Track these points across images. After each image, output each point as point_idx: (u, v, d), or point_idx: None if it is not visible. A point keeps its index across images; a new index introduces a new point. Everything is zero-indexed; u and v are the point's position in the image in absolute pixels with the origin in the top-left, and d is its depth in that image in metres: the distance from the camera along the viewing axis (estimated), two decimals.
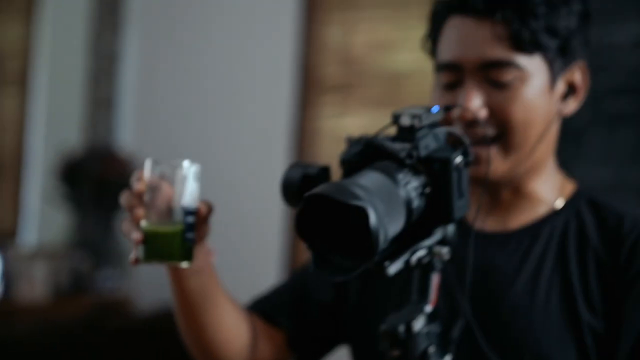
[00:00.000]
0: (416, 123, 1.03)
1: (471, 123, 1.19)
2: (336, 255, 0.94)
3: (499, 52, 1.17)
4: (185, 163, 1.10)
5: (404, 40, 3.89)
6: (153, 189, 1.08)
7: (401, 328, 1.05)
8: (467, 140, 1.06)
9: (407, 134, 1.03)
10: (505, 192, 1.26)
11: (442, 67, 1.22)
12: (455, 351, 1.13)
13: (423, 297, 1.09)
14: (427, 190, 1.03)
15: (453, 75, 1.21)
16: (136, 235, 1.07)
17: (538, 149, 1.21)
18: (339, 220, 0.92)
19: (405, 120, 1.04)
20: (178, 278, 1.19)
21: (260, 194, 4.18)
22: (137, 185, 1.09)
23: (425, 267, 1.09)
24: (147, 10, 4.46)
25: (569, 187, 1.28)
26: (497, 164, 1.20)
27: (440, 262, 1.09)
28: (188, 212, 1.10)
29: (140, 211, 1.08)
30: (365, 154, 1.05)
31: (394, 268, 1.00)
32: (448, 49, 1.22)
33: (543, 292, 1.19)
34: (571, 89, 1.25)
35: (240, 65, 4.25)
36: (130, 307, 3.96)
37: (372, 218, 0.88)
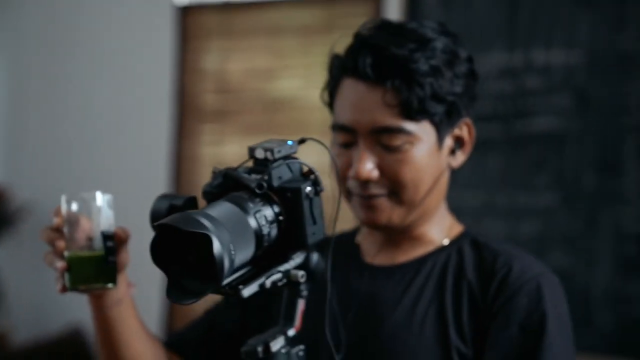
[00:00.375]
0: (269, 155, 1.08)
1: (365, 182, 1.27)
2: (189, 280, 0.98)
3: (389, 119, 1.25)
4: (98, 193, 1.19)
5: (281, 69, 3.96)
6: (71, 223, 1.15)
7: (259, 348, 1.11)
8: (316, 171, 1.12)
9: (261, 166, 1.09)
10: (397, 234, 1.35)
11: (337, 128, 1.30)
12: None
13: (288, 321, 1.15)
14: (281, 218, 1.08)
15: (348, 136, 1.29)
16: (60, 264, 1.15)
17: (429, 199, 1.31)
18: (189, 247, 0.97)
19: (260, 153, 1.09)
20: (99, 307, 1.25)
21: (141, 220, 4.14)
22: (56, 220, 1.17)
23: (292, 294, 1.15)
24: (16, 40, 4.37)
25: (457, 229, 1.38)
26: (391, 213, 1.29)
27: (306, 289, 1.15)
28: (107, 236, 1.18)
29: (61, 243, 1.16)
30: (224, 185, 1.11)
31: (247, 291, 1.04)
32: (343, 112, 1.29)
33: (419, 319, 1.27)
34: (459, 143, 1.34)
35: (117, 93, 4.22)
36: (7, 340, 3.86)
37: (216, 245, 0.93)
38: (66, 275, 1.16)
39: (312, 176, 1.11)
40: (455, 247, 1.34)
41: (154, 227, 0.99)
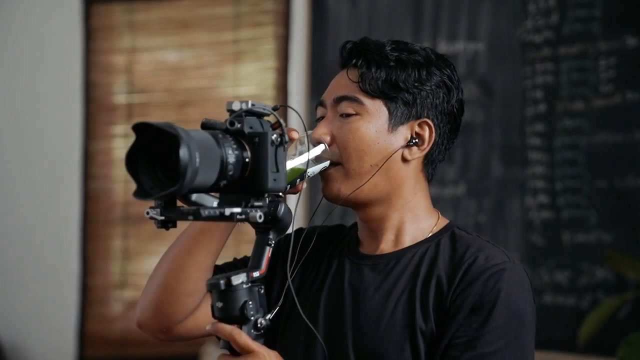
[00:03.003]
0: (244, 106, 1.23)
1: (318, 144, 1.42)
2: (155, 186, 1.14)
3: (348, 89, 1.43)
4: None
5: (191, 65, 3.92)
6: None
7: (222, 281, 1.21)
8: (284, 123, 1.26)
9: (236, 116, 1.23)
10: (385, 232, 1.47)
11: (317, 105, 1.48)
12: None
13: (255, 264, 1.27)
14: (247, 160, 1.21)
15: (321, 111, 1.47)
16: None
17: (390, 184, 1.44)
18: (161, 154, 1.14)
19: (236, 105, 1.23)
20: None
21: (55, 218, 4.08)
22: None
23: (261, 240, 1.28)
24: None
25: (442, 223, 1.48)
26: (340, 185, 1.43)
27: (275, 237, 1.28)
28: None
29: None
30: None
31: (205, 212, 1.17)
32: (326, 92, 1.48)
33: (392, 305, 1.39)
34: (417, 139, 1.44)
35: (25, 90, 4.13)
36: None
37: (183, 147, 1.09)
38: None
39: (279, 128, 1.24)
40: (435, 239, 1.44)
41: (133, 128, 1.13)
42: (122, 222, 4.00)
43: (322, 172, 1.43)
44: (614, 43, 3.06)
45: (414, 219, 1.46)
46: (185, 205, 1.21)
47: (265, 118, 1.27)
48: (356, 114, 1.41)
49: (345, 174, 1.42)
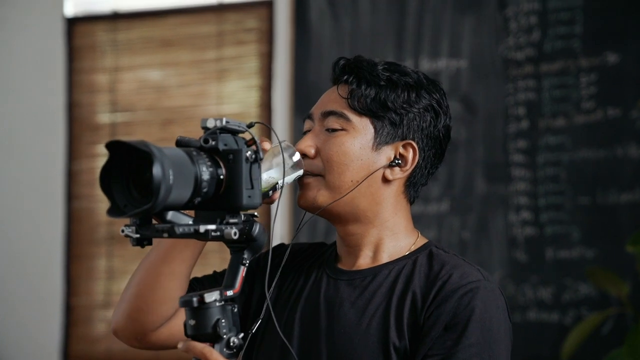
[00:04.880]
0: (218, 124, 1.24)
1: (304, 157, 1.44)
2: (129, 204, 1.14)
3: (336, 105, 1.44)
4: None
5: (175, 84, 3.92)
6: None
7: (195, 298, 1.22)
8: (258, 139, 1.27)
9: (210, 133, 1.23)
10: (362, 248, 1.48)
11: (304, 117, 1.50)
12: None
13: (229, 283, 1.27)
14: (222, 177, 1.22)
15: (308, 124, 1.48)
16: None
17: (368, 202, 1.45)
18: (134, 173, 1.15)
19: (211, 123, 1.24)
20: None
21: (37, 239, 4.06)
22: None
23: (235, 259, 1.29)
24: None
25: (420, 242, 1.48)
26: (317, 194, 1.44)
27: (249, 257, 1.29)
28: None
29: None
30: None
31: (180, 229, 1.18)
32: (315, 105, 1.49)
33: (367, 320, 1.40)
34: (400, 161, 1.45)
35: (11, 112, 4.12)
36: None
37: (156, 165, 1.09)
38: None
39: (253, 145, 1.25)
40: (412, 257, 1.44)
41: (106, 146, 1.14)
42: (106, 241, 3.98)
43: (300, 180, 1.44)
44: (594, 60, 3.09)
45: (392, 237, 1.46)
46: (160, 223, 1.20)
47: (240, 135, 1.28)
48: (342, 129, 1.43)
49: (325, 185, 1.43)
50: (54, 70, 4.01)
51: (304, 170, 1.43)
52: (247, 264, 1.29)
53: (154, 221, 1.21)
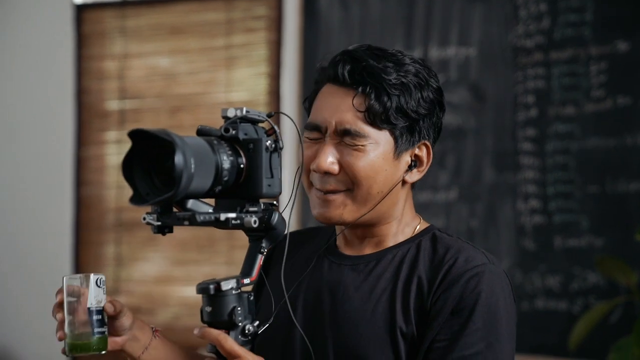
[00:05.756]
0: (239, 113, 1.25)
1: (325, 174, 1.40)
2: (151, 193, 1.16)
3: (354, 122, 1.39)
4: (92, 275, 1.39)
5: (184, 71, 3.92)
6: (76, 296, 1.37)
7: (212, 286, 1.24)
8: (277, 129, 1.28)
9: (231, 123, 1.25)
10: (371, 237, 1.49)
11: (310, 127, 1.43)
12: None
13: (247, 270, 1.29)
14: (242, 166, 1.24)
15: (317, 134, 1.42)
16: (60, 334, 1.39)
17: (388, 206, 1.44)
18: (157, 162, 1.16)
19: (231, 112, 1.26)
20: (132, 358, 1.47)
21: (45, 225, 4.07)
22: (57, 298, 1.39)
23: (254, 248, 1.31)
24: None
25: (423, 226, 1.50)
26: (343, 210, 1.42)
27: (267, 245, 1.31)
28: (92, 312, 1.37)
29: (59, 315, 1.38)
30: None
31: (201, 217, 1.19)
32: (317, 112, 1.43)
33: (372, 306, 1.40)
34: (416, 161, 1.45)
35: (17, 96, 4.13)
36: None
37: (178, 154, 1.11)
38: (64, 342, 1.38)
39: (273, 135, 1.27)
40: (416, 241, 1.45)
41: (129, 135, 1.14)
42: (115, 228, 4.00)
43: (316, 195, 1.41)
44: (605, 48, 3.07)
45: (399, 224, 1.48)
46: (181, 211, 1.23)
47: (260, 124, 1.30)
48: (363, 145, 1.39)
49: (351, 199, 1.41)
50: (63, 57, 4.02)
51: (325, 189, 1.40)
52: (264, 253, 1.31)
53: (174, 209, 1.22)
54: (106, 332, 1.39)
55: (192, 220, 1.19)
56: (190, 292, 3.84)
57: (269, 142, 1.26)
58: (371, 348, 1.38)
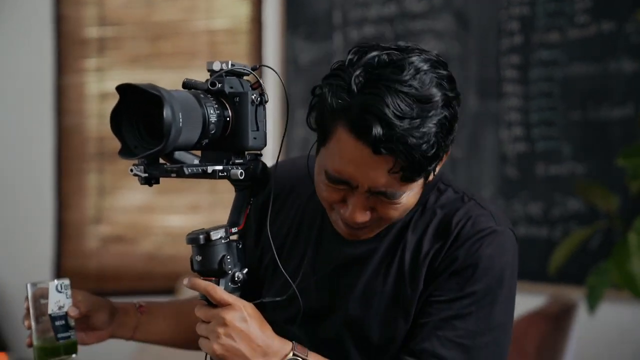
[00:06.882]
0: (224, 67, 1.27)
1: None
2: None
3: (389, 185, 1.28)
4: (53, 281, 1.45)
5: None
6: (40, 303, 1.43)
7: (201, 236, 1.28)
8: (262, 82, 1.30)
9: (217, 77, 1.27)
10: None
11: (333, 180, 1.31)
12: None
13: (235, 220, 1.33)
14: (229, 118, 1.26)
15: (343, 186, 1.31)
16: (27, 341, 1.46)
17: None
18: (145, 116, 1.18)
19: (217, 65, 1.28)
20: (128, 339, 1.57)
21: (26, 158, 4.05)
22: (24, 305, 1.46)
23: (240, 197, 1.34)
24: None
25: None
26: (371, 233, 1.39)
27: (254, 194, 1.33)
28: (54, 318, 1.44)
29: (27, 323, 1.46)
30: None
31: (189, 170, 1.23)
32: (341, 165, 1.29)
33: (382, 276, 1.41)
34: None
35: None
36: None
37: (167, 108, 1.13)
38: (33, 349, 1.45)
39: (259, 88, 1.28)
40: (422, 200, 1.40)
41: (117, 89, 1.16)
42: (97, 157, 3.98)
43: (346, 226, 1.36)
44: None
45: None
46: (168, 163, 1.26)
47: (245, 78, 1.31)
48: (399, 199, 1.31)
49: (385, 223, 1.37)
50: None
51: (355, 227, 1.35)
52: (251, 202, 1.34)
53: (161, 160, 1.25)
54: (72, 336, 1.45)
55: (179, 172, 1.23)
56: (173, 221, 3.85)
57: (254, 95, 1.27)
58: (378, 319, 1.40)
